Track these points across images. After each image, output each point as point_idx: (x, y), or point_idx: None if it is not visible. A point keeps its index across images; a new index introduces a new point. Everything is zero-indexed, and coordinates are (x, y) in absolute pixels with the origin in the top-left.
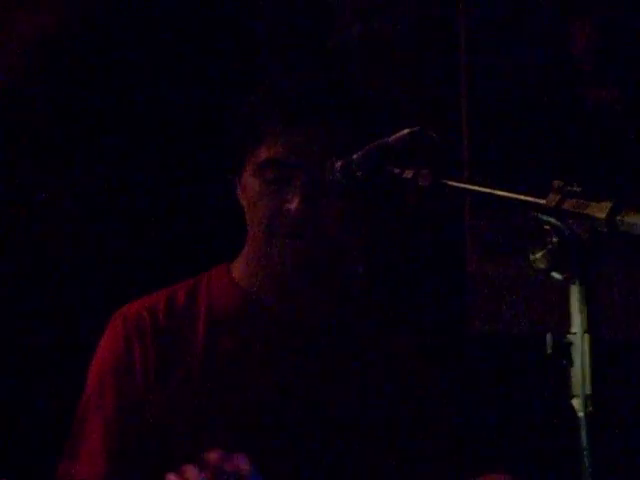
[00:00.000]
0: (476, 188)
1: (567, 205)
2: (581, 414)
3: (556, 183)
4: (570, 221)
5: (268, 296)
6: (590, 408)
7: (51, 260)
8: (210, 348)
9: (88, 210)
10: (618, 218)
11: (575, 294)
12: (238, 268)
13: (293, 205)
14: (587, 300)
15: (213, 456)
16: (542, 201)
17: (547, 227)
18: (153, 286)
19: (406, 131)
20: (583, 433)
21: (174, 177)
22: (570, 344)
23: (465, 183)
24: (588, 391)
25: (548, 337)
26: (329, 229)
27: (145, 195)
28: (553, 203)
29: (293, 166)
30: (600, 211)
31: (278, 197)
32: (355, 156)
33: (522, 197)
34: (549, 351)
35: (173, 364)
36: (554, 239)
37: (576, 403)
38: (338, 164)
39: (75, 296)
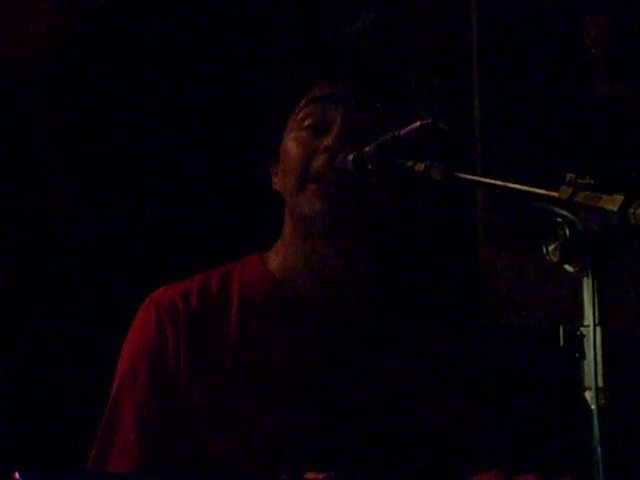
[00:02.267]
0: (488, 181)
1: (579, 198)
2: (593, 407)
3: (568, 176)
4: (582, 214)
5: (301, 284)
6: (602, 401)
7: (83, 247)
8: (242, 334)
9: (118, 196)
10: (630, 211)
11: (588, 287)
12: (272, 257)
13: (330, 140)
14: (599, 293)
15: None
16: (554, 194)
17: (560, 220)
18: (185, 274)
19: (418, 124)
20: (595, 426)
21: (205, 167)
22: (583, 337)
23: (477, 176)
24: (600, 384)
25: (561, 329)
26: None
27: (178, 184)
28: (565, 196)
29: (333, 103)
30: (612, 204)
31: (315, 142)
32: (367, 149)
33: (534, 190)
34: (562, 343)
35: (205, 350)
36: (567, 232)
37: (588, 396)
38: (350, 157)
39: (107, 283)
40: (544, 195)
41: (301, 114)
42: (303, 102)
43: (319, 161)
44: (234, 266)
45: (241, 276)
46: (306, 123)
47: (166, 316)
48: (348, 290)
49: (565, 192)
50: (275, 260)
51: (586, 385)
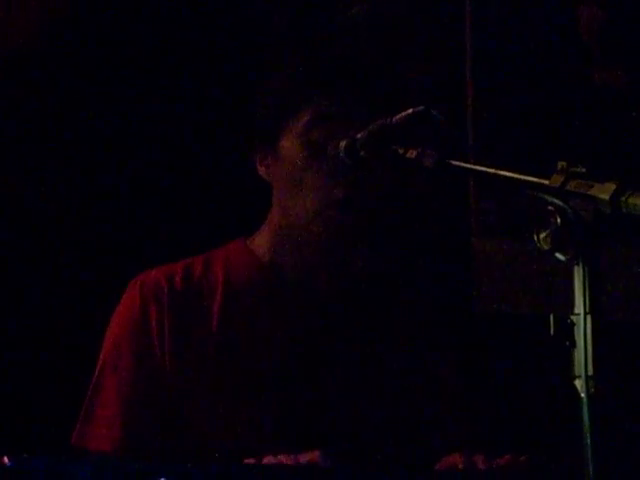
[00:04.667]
0: (480, 168)
1: (571, 186)
2: (583, 395)
3: (560, 164)
4: (574, 202)
5: (287, 268)
6: (592, 389)
7: (68, 237)
8: (226, 316)
9: (102, 187)
10: (622, 199)
11: (578, 275)
12: (258, 242)
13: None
14: (590, 281)
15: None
16: (546, 182)
17: (551, 208)
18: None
19: (410, 111)
20: (585, 413)
21: (188, 155)
22: (573, 325)
23: (469, 163)
24: (590, 372)
25: (551, 318)
26: (372, 197)
27: (160, 174)
28: (557, 184)
29: (341, 120)
30: (604, 192)
31: (333, 162)
32: (359, 135)
33: (526, 177)
34: (552, 332)
35: (189, 331)
36: (558, 220)
37: (578, 384)
38: (342, 143)
39: (89, 273)
40: (536, 183)
41: (307, 126)
42: (308, 116)
43: (343, 187)
44: (218, 250)
45: (226, 260)
46: (313, 138)
47: (150, 295)
48: (337, 275)
49: (557, 180)
50: (261, 245)
51: (576, 373)
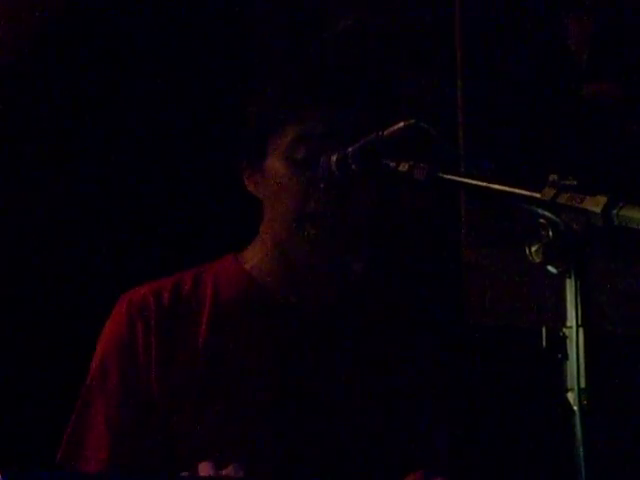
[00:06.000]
0: (471, 181)
1: (562, 199)
2: (575, 408)
3: (551, 177)
4: (566, 215)
5: (277, 284)
6: (585, 402)
7: (56, 251)
8: (214, 333)
9: (92, 202)
10: (613, 212)
11: (570, 288)
12: (248, 257)
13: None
14: (582, 294)
15: (206, 468)
16: (537, 195)
17: (542, 221)
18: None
19: (401, 124)
20: (577, 426)
21: (179, 171)
22: (565, 338)
23: (461, 176)
24: (583, 385)
25: (543, 330)
26: (360, 212)
27: (151, 190)
28: (548, 197)
29: (326, 139)
30: (596, 205)
31: (309, 177)
32: (350, 149)
33: (518, 191)
34: (544, 344)
35: (176, 348)
36: (549, 233)
37: (571, 397)
38: (334, 157)
39: (80, 289)
40: (527, 196)
41: (291, 145)
42: (293, 135)
43: (317, 201)
44: (208, 266)
45: (215, 275)
46: (297, 156)
47: (137, 312)
48: (326, 292)
49: (548, 193)
50: (252, 260)
51: (568, 386)
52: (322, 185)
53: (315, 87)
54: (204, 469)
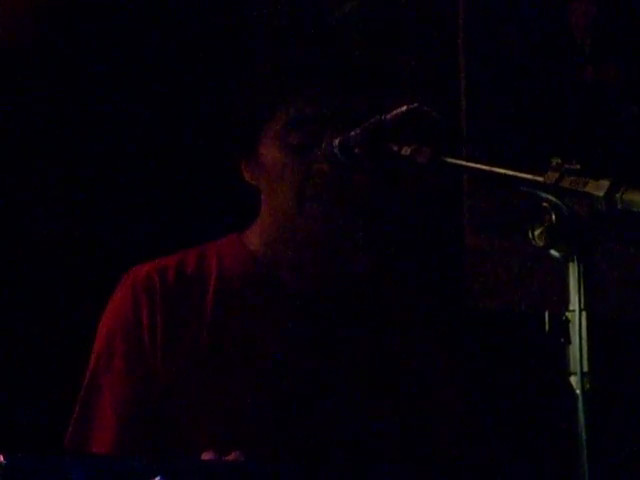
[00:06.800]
0: (474, 165)
1: (565, 183)
2: (578, 391)
3: (554, 161)
4: (569, 199)
5: (281, 265)
6: (587, 385)
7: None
8: (219, 311)
9: (95, 181)
10: (617, 196)
11: (573, 272)
12: (251, 237)
13: (326, 164)
14: (585, 278)
15: (208, 457)
16: (540, 178)
17: (545, 204)
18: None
19: (404, 108)
20: (580, 410)
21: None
22: (568, 322)
23: (463, 160)
24: (585, 369)
25: (546, 315)
26: (359, 194)
27: (154, 169)
28: (551, 180)
29: (318, 123)
30: (598, 189)
31: (306, 160)
32: (353, 133)
33: (521, 174)
34: (547, 328)
35: (181, 326)
36: (552, 217)
37: (573, 381)
38: (336, 141)
39: (83, 268)
40: (530, 180)
41: (283, 130)
42: (285, 120)
43: (320, 181)
44: (212, 244)
45: (219, 254)
46: (292, 141)
47: (142, 290)
48: (327, 270)
49: (551, 177)
50: (254, 240)
51: (571, 370)
52: (325, 168)
53: (301, 69)
54: (207, 457)
